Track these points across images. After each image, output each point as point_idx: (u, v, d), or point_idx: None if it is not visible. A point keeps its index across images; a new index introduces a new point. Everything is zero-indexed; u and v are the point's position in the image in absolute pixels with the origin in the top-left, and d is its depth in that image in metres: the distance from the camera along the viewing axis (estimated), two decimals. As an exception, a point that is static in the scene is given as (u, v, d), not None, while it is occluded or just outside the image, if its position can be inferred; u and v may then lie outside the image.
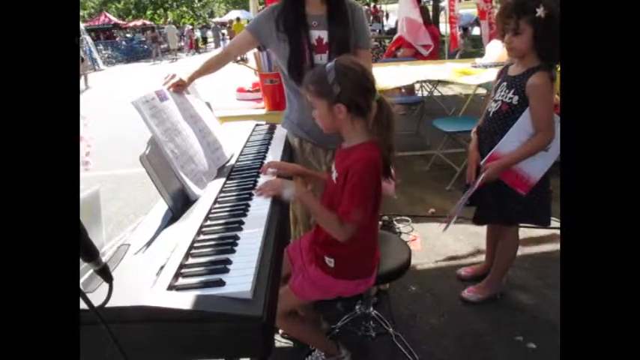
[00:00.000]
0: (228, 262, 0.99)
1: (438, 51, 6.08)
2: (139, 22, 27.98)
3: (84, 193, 1.07)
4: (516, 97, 1.72)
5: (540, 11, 1.57)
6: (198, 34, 25.47)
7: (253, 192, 1.34)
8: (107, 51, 19.50)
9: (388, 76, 3.58)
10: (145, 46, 22.63)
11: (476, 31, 11.92)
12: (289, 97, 1.87)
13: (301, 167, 1.65)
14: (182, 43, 22.25)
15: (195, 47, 23.90)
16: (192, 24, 29.23)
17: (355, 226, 1.27)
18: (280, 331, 1.87)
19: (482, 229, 2.29)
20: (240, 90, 3.07)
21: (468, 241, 2.63)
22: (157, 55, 20.64)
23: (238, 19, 20.85)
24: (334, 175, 1.36)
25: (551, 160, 1.78)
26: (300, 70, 1.67)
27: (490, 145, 1.85)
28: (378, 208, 1.36)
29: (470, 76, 3.59)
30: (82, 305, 0.68)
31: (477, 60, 3.97)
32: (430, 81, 4.95)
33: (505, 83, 1.79)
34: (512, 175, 1.81)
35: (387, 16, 16.06)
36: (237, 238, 1.09)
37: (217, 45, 23.16)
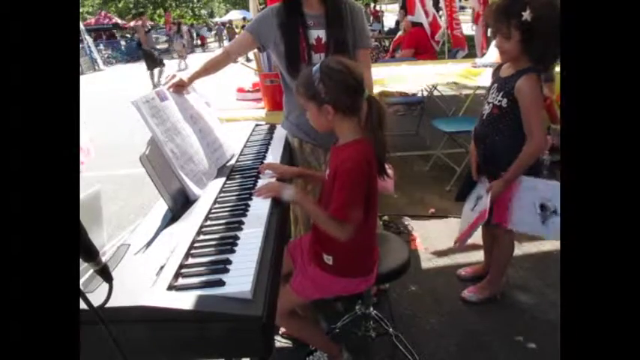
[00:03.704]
0: (228, 262, 0.99)
1: (435, 51, 6.11)
2: (138, 22, 27.97)
3: (85, 193, 1.07)
4: (505, 100, 1.70)
5: (526, 14, 1.55)
6: (194, 34, 25.50)
7: (253, 192, 1.35)
8: (107, 51, 19.50)
9: (393, 81, 3.54)
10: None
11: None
12: (288, 97, 1.87)
13: (300, 169, 1.65)
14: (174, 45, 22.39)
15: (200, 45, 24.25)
16: (192, 24, 29.25)
17: (353, 224, 1.27)
18: (280, 331, 1.87)
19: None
20: (240, 90, 3.07)
21: (467, 241, 2.62)
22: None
23: (244, 19, 20.82)
24: (327, 172, 1.37)
25: (538, 226, 1.77)
26: (298, 70, 1.67)
27: (482, 148, 1.85)
28: (374, 205, 1.36)
29: (475, 76, 3.58)
30: (82, 305, 0.68)
31: (477, 60, 3.97)
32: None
33: (496, 85, 1.78)
34: (500, 210, 1.81)
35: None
36: (237, 238, 1.09)
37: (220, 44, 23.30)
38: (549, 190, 1.73)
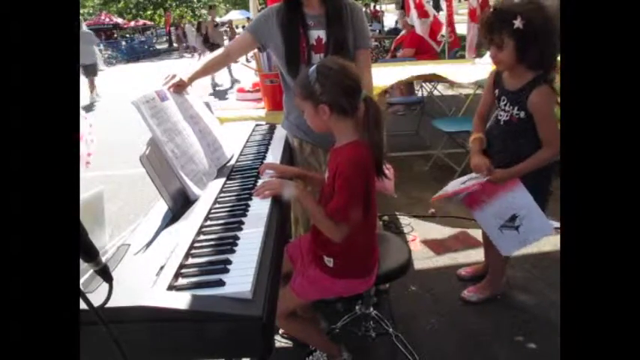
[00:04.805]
0: (228, 262, 0.99)
1: (436, 51, 6.12)
2: (139, 22, 28.07)
3: (87, 193, 1.07)
4: (522, 113, 1.71)
5: (518, 22, 1.55)
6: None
7: (253, 192, 1.35)
8: (107, 51, 19.52)
9: (387, 75, 3.54)
10: (145, 46, 22.99)
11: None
12: (288, 97, 1.87)
13: (299, 170, 1.65)
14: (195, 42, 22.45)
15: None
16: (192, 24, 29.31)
17: (348, 225, 1.27)
18: (280, 331, 1.87)
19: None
20: (240, 90, 3.08)
21: (467, 241, 2.62)
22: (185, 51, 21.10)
23: (248, 19, 20.87)
24: (326, 174, 1.37)
25: (494, 229, 1.88)
26: (298, 70, 1.67)
27: (496, 147, 1.84)
28: (373, 206, 1.36)
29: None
30: (82, 305, 0.68)
31: (477, 60, 3.97)
32: (430, 81, 4.95)
33: (505, 98, 1.77)
34: (478, 196, 1.85)
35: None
36: (237, 238, 1.09)
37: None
38: (533, 212, 1.77)
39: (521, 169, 1.75)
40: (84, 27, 8.99)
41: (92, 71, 8.86)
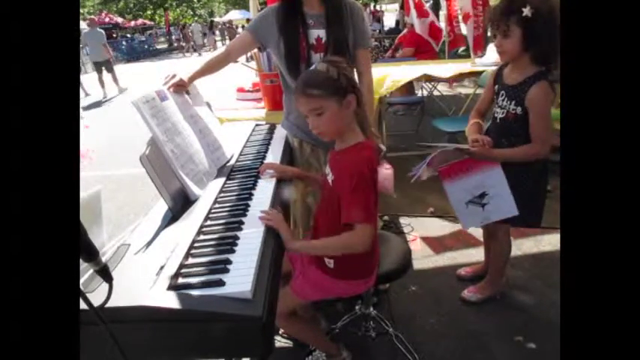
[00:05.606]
0: (228, 262, 0.99)
1: (436, 51, 6.11)
2: (139, 22, 28.11)
3: (85, 193, 1.07)
4: (519, 108, 1.70)
5: (527, 11, 1.54)
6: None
7: (253, 192, 1.34)
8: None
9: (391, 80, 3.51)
10: (145, 46, 23.15)
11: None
12: (288, 97, 1.87)
13: (299, 171, 1.65)
14: (206, 40, 22.53)
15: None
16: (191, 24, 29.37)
17: (369, 226, 1.23)
18: (280, 331, 1.87)
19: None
20: (240, 90, 3.07)
21: (467, 241, 2.63)
22: (188, 49, 21.68)
23: (248, 20, 20.97)
24: (330, 177, 1.34)
25: (461, 204, 1.93)
26: (298, 70, 1.67)
27: (494, 145, 1.84)
28: (376, 207, 1.35)
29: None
30: (82, 305, 0.68)
31: (477, 60, 3.97)
32: (430, 80, 4.95)
33: (504, 92, 1.77)
34: (454, 168, 1.89)
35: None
36: (237, 238, 1.09)
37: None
38: (503, 193, 1.78)
39: (503, 153, 1.75)
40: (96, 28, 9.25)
41: (109, 67, 9.23)
